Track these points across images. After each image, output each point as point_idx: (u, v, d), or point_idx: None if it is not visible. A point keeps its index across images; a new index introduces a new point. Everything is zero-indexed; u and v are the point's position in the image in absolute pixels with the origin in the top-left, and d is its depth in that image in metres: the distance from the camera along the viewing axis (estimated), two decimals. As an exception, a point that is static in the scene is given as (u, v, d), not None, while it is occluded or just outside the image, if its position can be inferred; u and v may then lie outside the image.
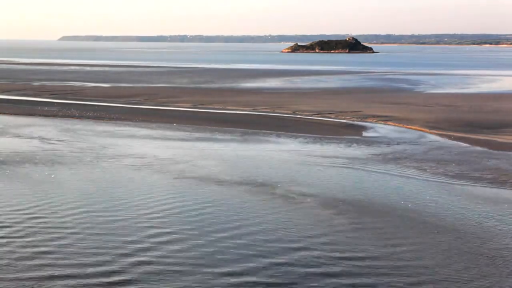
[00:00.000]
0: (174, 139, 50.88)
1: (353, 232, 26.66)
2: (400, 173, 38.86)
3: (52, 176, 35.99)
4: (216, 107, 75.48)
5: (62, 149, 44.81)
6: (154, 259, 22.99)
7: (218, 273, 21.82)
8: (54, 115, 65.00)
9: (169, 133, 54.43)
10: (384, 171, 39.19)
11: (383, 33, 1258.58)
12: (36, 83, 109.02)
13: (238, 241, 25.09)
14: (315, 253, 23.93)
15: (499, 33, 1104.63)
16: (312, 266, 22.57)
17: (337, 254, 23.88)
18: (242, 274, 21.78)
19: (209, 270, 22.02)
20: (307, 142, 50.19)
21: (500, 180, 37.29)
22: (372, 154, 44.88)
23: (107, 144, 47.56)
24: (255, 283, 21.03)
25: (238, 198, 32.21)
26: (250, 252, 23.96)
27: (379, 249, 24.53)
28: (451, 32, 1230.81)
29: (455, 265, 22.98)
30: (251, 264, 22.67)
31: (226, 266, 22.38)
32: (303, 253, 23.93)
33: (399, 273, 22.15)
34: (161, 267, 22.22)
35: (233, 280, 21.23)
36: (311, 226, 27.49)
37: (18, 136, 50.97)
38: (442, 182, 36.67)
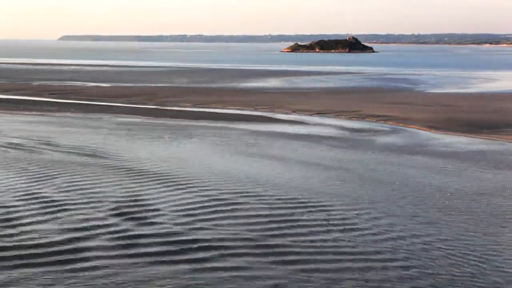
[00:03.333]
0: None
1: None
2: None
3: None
4: (216, 106, 75.55)
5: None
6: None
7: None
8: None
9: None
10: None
11: (383, 32, 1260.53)
12: (36, 83, 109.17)
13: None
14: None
15: (499, 33, 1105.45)
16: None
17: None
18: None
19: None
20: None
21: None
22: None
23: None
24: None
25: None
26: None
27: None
28: (451, 32, 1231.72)
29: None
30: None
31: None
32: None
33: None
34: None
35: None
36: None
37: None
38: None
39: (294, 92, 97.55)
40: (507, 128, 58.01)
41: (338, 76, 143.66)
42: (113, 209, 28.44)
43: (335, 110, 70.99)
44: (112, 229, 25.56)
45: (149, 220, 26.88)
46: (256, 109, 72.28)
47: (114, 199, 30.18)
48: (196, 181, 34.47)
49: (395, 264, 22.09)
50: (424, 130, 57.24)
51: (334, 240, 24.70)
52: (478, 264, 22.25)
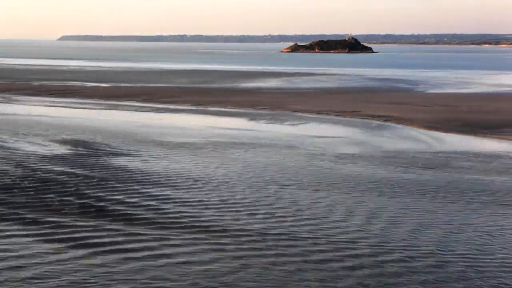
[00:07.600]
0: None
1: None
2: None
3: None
4: (216, 107, 75.51)
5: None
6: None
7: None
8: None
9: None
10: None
11: (382, 32, 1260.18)
12: (35, 83, 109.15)
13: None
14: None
15: (499, 33, 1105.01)
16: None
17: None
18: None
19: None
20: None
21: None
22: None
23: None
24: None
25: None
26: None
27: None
28: (451, 32, 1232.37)
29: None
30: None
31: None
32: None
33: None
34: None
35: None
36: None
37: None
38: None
39: (294, 92, 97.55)
40: (507, 128, 58.00)
41: (338, 76, 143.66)
42: None
43: (335, 110, 70.99)
44: None
45: None
46: (255, 109, 72.29)
47: None
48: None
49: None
50: (423, 130, 57.32)
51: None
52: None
